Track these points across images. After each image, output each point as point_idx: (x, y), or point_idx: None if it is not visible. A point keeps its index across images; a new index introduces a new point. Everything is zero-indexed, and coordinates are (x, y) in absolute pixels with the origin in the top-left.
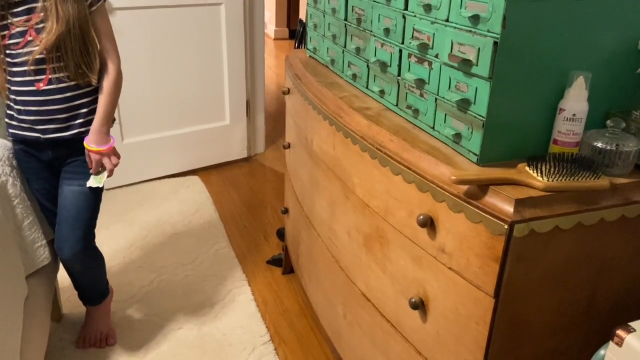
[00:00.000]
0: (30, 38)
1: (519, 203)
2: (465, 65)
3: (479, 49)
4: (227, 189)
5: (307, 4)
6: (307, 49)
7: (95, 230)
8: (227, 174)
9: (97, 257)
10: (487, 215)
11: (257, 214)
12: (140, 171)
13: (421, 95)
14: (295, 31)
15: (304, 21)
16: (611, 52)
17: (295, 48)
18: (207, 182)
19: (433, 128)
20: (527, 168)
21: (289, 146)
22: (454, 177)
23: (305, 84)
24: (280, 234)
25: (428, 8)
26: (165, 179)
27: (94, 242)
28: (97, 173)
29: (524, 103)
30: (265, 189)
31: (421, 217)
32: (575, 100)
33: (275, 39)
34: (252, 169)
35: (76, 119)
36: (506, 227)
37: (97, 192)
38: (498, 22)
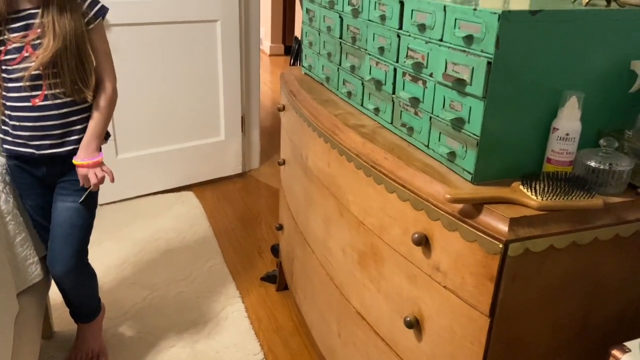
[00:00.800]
0: (26, 54)
1: (514, 222)
2: (459, 85)
3: (473, 68)
4: (222, 205)
5: (303, 22)
6: (303, 66)
7: (88, 247)
8: (222, 189)
9: (89, 274)
10: (481, 234)
11: (252, 230)
12: (134, 187)
13: (416, 113)
14: (290, 47)
15: (299, 38)
16: (604, 72)
17: (290, 65)
18: (202, 198)
19: (427, 146)
20: (521, 187)
21: (283, 162)
22: (449, 196)
23: (300, 101)
24: (275, 250)
25: (422, 28)
26: (159, 195)
27: (87, 259)
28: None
29: (518, 122)
30: (260, 204)
31: (416, 235)
32: (569, 120)
33: (270, 55)
34: (247, 184)
35: (71, 135)
36: (501, 246)
37: (91, 209)
38: (491, 42)
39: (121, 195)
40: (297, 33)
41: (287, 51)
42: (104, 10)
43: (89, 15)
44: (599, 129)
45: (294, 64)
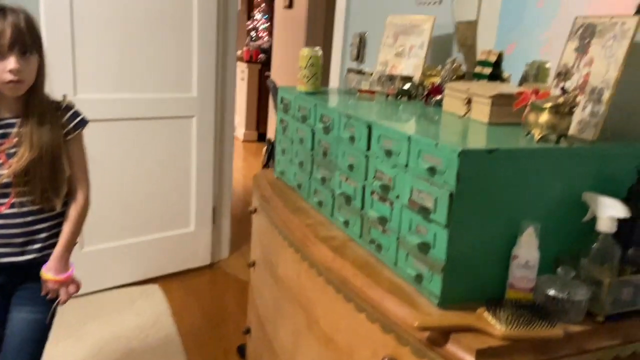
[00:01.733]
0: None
1: (480, 354)
2: (424, 211)
3: (437, 198)
4: (188, 300)
5: (276, 130)
6: (275, 170)
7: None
8: (189, 282)
9: None
10: None
11: (218, 328)
12: (97, 280)
13: (384, 231)
14: (264, 135)
15: (272, 141)
16: (558, 203)
17: (263, 166)
18: (167, 291)
19: (396, 264)
20: (485, 314)
21: (253, 264)
22: (417, 324)
23: (273, 207)
24: (242, 351)
25: (389, 153)
26: (124, 288)
27: None
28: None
29: (482, 249)
30: (228, 299)
31: (386, 359)
32: (527, 249)
33: (244, 141)
34: (215, 276)
35: (34, 244)
36: None
37: (49, 322)
38: (453, 176)
39: (83, 289)
40: (271, 122)
41: (260, 138)
42: (84, 122)
43: (69, 127)
44: (557, 255)
45: (266, 166)
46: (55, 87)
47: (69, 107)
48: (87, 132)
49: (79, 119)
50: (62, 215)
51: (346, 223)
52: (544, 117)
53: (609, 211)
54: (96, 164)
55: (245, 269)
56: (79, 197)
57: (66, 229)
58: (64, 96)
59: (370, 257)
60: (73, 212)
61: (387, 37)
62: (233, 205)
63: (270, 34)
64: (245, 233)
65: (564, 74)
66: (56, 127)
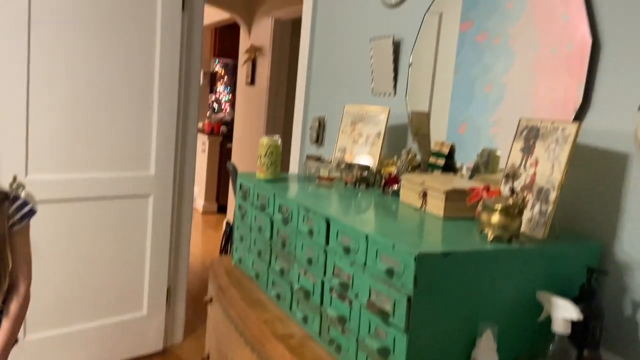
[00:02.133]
0: None
1: None
2: (383, 314)
3: (395, 301)
4: None
5: (234, 215)
6: (233, 257)
7: None
8: None
9: None
10: None
11: None
12: None
13: (343, 331)
14: (224, 207)
15: (231, 224)
16: (514, 302)
17: (220, 251)
18: None
19: None
20: None
21: (208, 358)
22: None
23: (229, 299)
24: None
25: (347, 250)
26: None
27: None
28: None
29: (441, 353)
30: None
31: None
32: (486, 352)
33: (203, 213)
34: None
35: None
36: None
37: None
38: (410, 279)
39: None
40: (231, 198)
41: (221, 209)
42: (32, 213)
43: (14, 218)
44: (516, 356)
45: (224, 251)
46: (7, 168)
47: (17, 196)
48: (39, 212)
49: (26, 209)
50: (1, 312)
51: (305, 319)
52: (496, 217)
53: (562, 313)
54: (46, 245)
55: (200, 354)
56: (20, 289)
57: (5, 327)
58: (14, 178)
59: (329, 357)
60: (14, 308)
61: (345, 124)
62: (189, 283)
63: (233, 106)
64: (201, 313)
65: (512, 175)
66: (1, 219)
